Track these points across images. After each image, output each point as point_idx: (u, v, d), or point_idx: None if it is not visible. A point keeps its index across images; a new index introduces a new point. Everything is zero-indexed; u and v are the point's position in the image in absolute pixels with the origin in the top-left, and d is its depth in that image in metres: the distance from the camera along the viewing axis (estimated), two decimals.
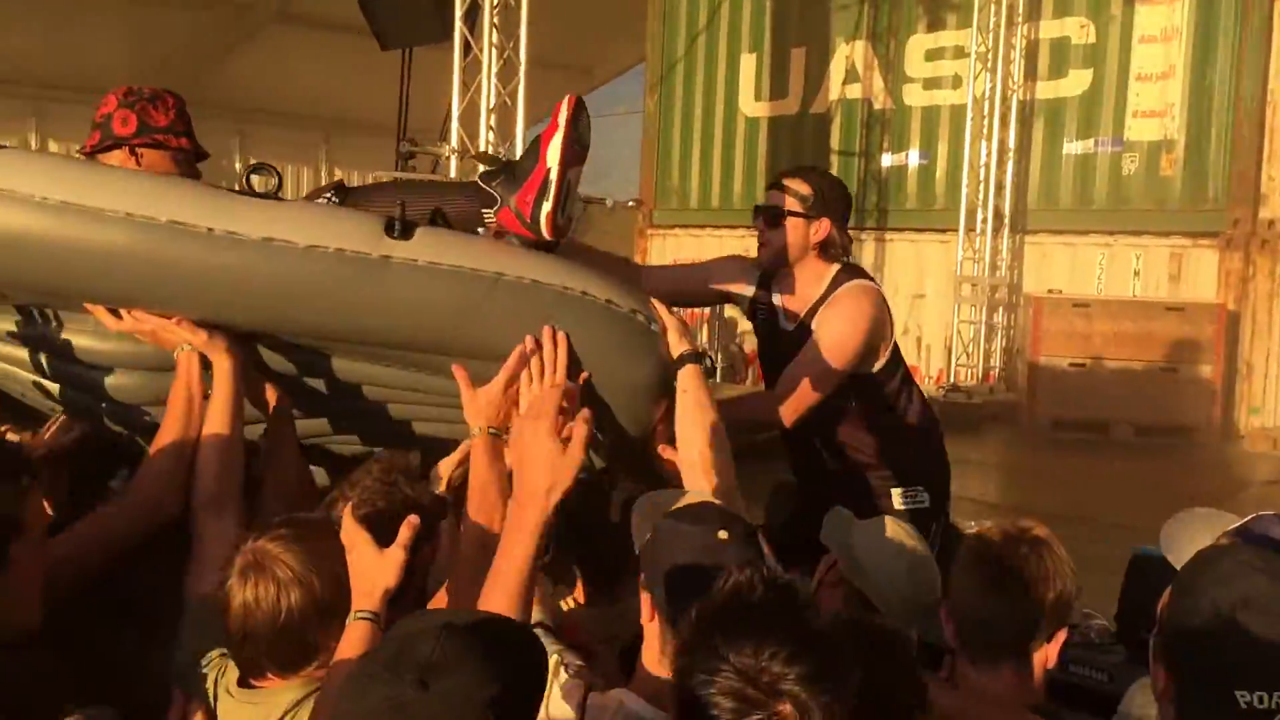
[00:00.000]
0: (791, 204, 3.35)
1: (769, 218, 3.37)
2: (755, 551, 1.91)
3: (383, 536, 1.97)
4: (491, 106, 9.63)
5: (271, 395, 2.66)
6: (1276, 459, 10.78)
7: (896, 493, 3.41)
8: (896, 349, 3.47)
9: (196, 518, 2.36)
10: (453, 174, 9.02)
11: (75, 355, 2.64)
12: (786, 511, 3.53)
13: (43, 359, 2.70)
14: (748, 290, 3.54)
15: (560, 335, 2.28)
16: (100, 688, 1.94)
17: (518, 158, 2.64)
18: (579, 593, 2.57)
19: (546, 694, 1.81)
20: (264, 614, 1.91)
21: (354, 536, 1.98)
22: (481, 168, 3.25)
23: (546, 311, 2.32)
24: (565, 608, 2.50)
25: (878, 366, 3.39)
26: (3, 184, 2.25)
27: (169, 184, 2.45)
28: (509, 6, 9.58)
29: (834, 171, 16.03)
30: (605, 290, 2.37)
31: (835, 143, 14.25)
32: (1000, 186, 12.96)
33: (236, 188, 2.48)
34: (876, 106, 13.99)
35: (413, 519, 2.00)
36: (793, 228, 3.34)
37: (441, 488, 2.45)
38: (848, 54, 14.16)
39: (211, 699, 2.05)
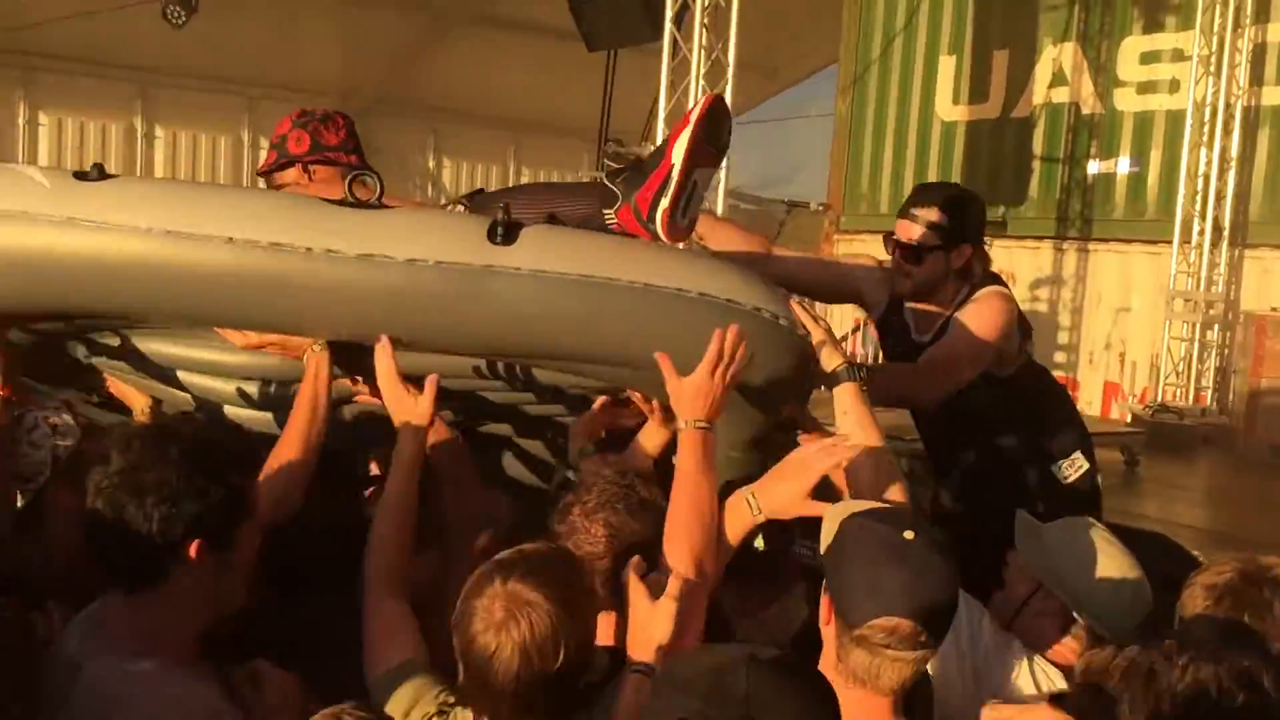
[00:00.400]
0: (928, 237, 3.26)
1: (907, 254, 3.29)
2: (941, 555, 1.87)
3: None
4: None
5: (442, 429, 2.57)
6: None
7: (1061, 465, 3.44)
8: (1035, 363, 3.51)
9: (371, 592, 2.22)
10: None
11: (219, 371, 2.67)
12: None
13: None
14: (880, 299, 3.47)
15: (734, 328, 2.19)
16: None
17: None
18: None
19: None
20: (541, 661, 1.80)
21: (633, 589, 1.99)
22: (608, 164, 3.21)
23: (662, 316, 2.25)
24: None
25: (1008, 373, 3.37)
26: (118, 217, 2.28)
27: (271, 204, 2.46)
28: (719, 8, 9.54)
29: (1036, 178, 15.31)
30: (728, 288, 2.28)
31: (1038, 148, 13.70)
32: (1220, 197, 12.20)
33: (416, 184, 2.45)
34: (1085, 111, 13.38)
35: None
36: (933, 261, 3.27)
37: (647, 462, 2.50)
38: (1055, 56, 13.58)
39: None
